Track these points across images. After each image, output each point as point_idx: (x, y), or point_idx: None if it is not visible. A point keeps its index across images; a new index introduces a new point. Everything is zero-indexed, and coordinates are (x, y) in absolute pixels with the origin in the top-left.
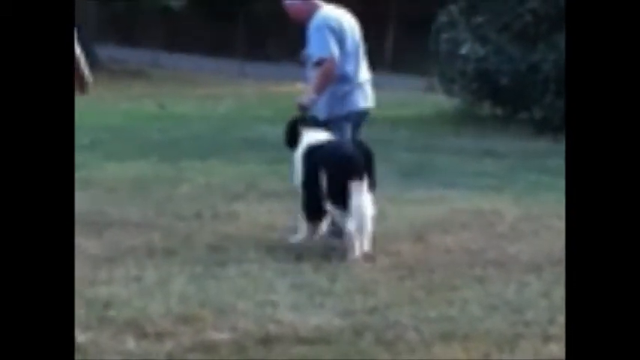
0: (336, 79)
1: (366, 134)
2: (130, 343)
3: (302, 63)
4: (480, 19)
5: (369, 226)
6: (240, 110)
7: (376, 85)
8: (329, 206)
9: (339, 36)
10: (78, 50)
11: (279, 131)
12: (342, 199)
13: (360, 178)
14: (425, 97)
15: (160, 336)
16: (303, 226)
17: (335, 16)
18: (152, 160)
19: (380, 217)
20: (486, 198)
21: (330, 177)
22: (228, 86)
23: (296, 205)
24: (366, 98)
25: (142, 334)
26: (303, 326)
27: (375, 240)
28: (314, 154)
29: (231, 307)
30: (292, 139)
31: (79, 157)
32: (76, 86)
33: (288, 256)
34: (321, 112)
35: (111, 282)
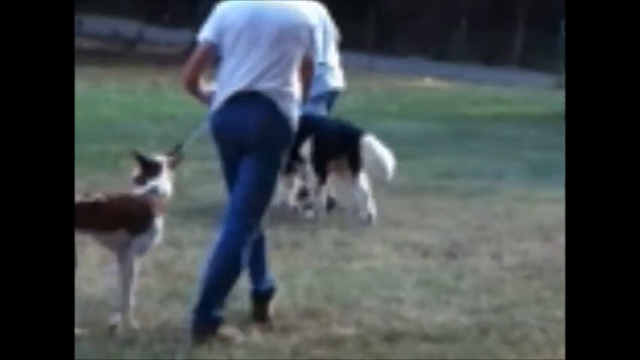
0: None
1: (493, 130)
2: (256, 336)
3: None
4: None
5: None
6: (367, 104)
7: (504, 81)
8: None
9: None
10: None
11: (405, 126)
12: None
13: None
14: (553, 95)
15: (285, 329)
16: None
17: None
18: None
19: (508, 216)
20: None
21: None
22: (356, 80)
23: (422, 201)
24: (335, 79)
25: (267, 327)
26: (428, 323)
27: (502, 238)
28: None
29: (356, 302)
30: None
31: (209, 149)
32: None
33: (414, 253)
34: None
35: None
